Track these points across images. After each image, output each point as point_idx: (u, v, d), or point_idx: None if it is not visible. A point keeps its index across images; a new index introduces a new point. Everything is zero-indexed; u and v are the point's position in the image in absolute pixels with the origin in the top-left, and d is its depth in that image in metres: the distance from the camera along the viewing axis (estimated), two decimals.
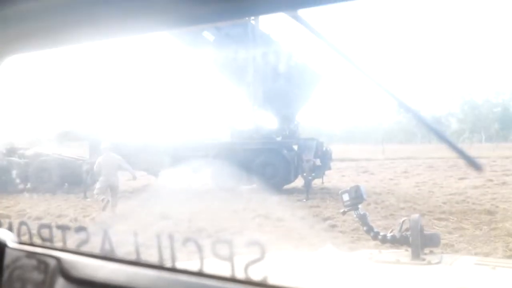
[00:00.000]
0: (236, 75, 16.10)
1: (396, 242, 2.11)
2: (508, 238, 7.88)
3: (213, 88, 16.69)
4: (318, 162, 15.14)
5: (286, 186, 15.39)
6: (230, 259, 0.87)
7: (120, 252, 1.02)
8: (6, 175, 15.35)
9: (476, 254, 6.82)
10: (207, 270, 0.89)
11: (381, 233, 2.21)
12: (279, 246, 6.20)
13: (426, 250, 2.03)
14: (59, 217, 10.45)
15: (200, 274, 0.90)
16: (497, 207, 10.68)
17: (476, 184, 14.53)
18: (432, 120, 0.84)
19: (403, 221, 2.13)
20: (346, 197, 2.22)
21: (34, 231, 1.17)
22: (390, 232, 2.19)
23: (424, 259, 1.93)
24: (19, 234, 1.19)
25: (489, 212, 10.07)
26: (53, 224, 1.13)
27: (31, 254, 1.09)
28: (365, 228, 2.26)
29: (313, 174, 14.65)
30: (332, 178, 17.70)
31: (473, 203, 11.31)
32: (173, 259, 0.93)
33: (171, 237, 0.94)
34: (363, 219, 2.25)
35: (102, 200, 11.15)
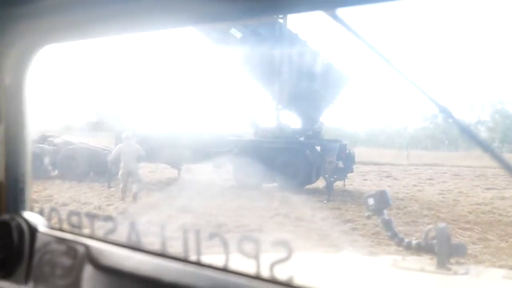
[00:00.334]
0: (262, 73, 16.07)
1: (421, 250, 2.08)
2: None
3: (238, 85, 16.67)
4: (340, 164, 15.02)
5: (308, 187, 15.32)
6: (256, 256, 0.86)
7: (142, 242, 1.03)
8: (35, 161, 15.61)
9: (500, 266, 6.66)
10: (232, 266, 0.89)
11: (406, 240, 2.17)
12: (298, 245, 6.18)
13: (452, 260, 1.99)
14: (84, 204, 10.64)
15: (225, 269, 0.90)
16: None
17: (504, 195, 14.19)
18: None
19: (429, 230, 2.09)
20: (371, 201, 2.20)
21: (63, 217, 1.19)
22: (415, 240, 2.16)
23: (450, 269, 1.90)
24: (49, 219, 1.21)
25: None
26: (81, 211, 1.15)
27: (60, 240, 1.11)
28: (389, 234, 2.23)
29: (335, 176, 14.55)
30: (354, 181, 17.53)
31: (500, 214, 11.05)
32: (198, 253, 0.93)
33: (196, 232, 0.94)
34: (387, 224, 2.22)
35: (122, 190, 11.71)
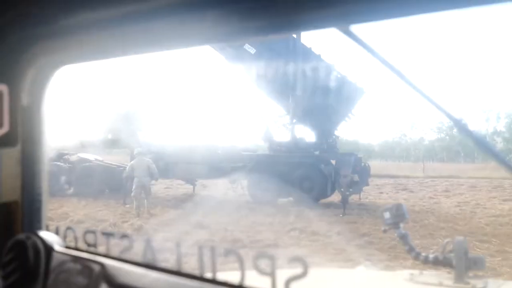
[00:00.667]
0: (276, 88, 16.12)
1: (439, 263, 2.04)
2: None
3: (253, 100, 16.75)
4: (356, 177, 14.92)
5: (323, 201, 15.23)
6: (271, 273, 0.86)
7: (158, 259, 1.03)
8: (51, 179, 15.76)
9: None
10: (248, 283, 0.89)
11: (423, 254, 2.14)
12: (314, 261, 6.13)
13: (470, 274, 1.96)
14: (99, 221, 10.69)
15: (240, 287, 0.89)
16: None
17: None
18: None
19: (447, 243, 2.06)
20: (387, 215, 2.17)
21: (79, 236, 1.20)
22: (432, 253, 2.13)
23: (468, 283, 1.87)
24: (65, 238, 1.22)
25: None
26: (97, 229, 1.16)
27: (76, 259, 1.11)
28: (406, 248, 2.19)
29: (350, 190, 14.44)
30: (370, 195, 17.38)
31: None
32: (214, 270, 0.93)
33: (212, 249, 0.94)
34: (404, 238, 2.19)
35: (136, 205, 12.31)
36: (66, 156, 17.34)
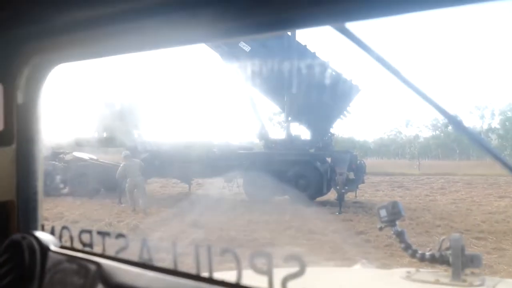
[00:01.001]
0: (271, 86, 16.11)
1: (435, 261, 2.04)
2: None
3: (247, 98, 16.71)
4: (351, 175, 14.95)
5: (319, 199, 15.25)
6: (268, 272, 0.86)
7: (154, 259, 1.03)
8: (46, 179, 15.71)
9: None
10: (244, 282, 0.89)
11: (419, 251, 2.14)
12: (310, 259, 6.13)
13: (467, 271, 1.96)
14: (95, 221, 10.67)
15: (237, 285, 0.89)
16: None
17: None
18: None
19: (443, 240, 2.06)
20: (383, 212, 2.17)
21: (75, 235, 1.20)
22: (429, 251, 2.13)
23: (465, 280, 1.87)
24: (60, 238, 1.21)
25: None
26: (93, 229, 1.15)
27: (72, 259, 1.11)
28: (402, 246, 2.19)
29: (346, 188, 14.47)
30: (366, 192, 17.43)
31: None
32: (211, 269, 0.93)
33: (208, 247, 0.94)
34: (400, 236, 2.19)
35: (130, 203, 12.96)
36: (61, 155, 17.28)
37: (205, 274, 0.92)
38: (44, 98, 1.30)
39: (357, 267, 2.46)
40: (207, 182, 17.63)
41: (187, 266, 0.97)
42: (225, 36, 1.00)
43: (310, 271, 0.85)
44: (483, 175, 25.21)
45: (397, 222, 2.23)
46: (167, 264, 0.99)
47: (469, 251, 2.04)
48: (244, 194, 15.37)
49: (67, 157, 17.35)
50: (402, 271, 2.06)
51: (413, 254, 2.17)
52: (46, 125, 1.33)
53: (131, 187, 13.12)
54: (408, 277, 1.98)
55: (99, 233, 1.13)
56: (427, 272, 2.04)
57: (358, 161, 16.17)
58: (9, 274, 1.13)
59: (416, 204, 14.43)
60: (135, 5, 1.01)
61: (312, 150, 16.47)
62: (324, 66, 15.77)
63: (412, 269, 2.08)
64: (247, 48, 15.56)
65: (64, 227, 1.22)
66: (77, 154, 17.54)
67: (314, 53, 16.00)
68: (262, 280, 0.84)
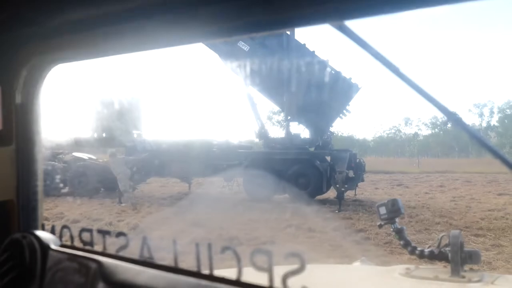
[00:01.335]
0: (270, 85, 16.11)
1: (434, 258, 2.05)
2: None
3: (247, 97, 16.69)
4: (351, 173, 14.96)
5: (319, 197, 15.26)
6: (268, 269, 0.86)
7: (154, 257, 1.03)
8: (45, 179, 15.71)
9: None
10: (245, 279, 0.89)
11: (419, 248, 2.15)
12: (311, 257, 6.14)
13: (466, 268, 1.97)
14: (95, 220, 10.67)
15: (237, 283, 0.89)
16: None
17: None
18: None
19: (442, 237, 2.07)
20: (383, 210, 2.18)
21: (75, 234, 1.20)
22: (428, 248, 2.13)
23: (464, 277, 1.87)
24: (61, 237, 1.22)
25: None
26: (93, 228, 1.15)
27: (72, 257, 1.11)
28: (402, 243, 2.20)
29: (345, 186, 14.47)
30: (365, 190, 17.44)
31: None
32: (211, 266, 0.93)
33: (208, 245, 0.94)
34: (400, 233, 2.20)
35: (124, 197, 13.65)
36: (60, 156, 17.28)
37: (205, 271, 0.92)
38: (43, 98, 1.31)
39: (357, 264, 2.46)
40: (207, 181, 17.64)
41: (187, 264, 0.97)
42: (224, 35, 1.01)
43: (310, 268, 0.85)
44: (482, 173, 25.25)
45: (397, 220, 2.24)
46: (167, 262, 0.99)
47: (468, 247, 2.05)
48: (244, 193, 15.37)
49: (67, 157, 17.36)
50: (402, 267, 2.07)
51: (413, 251, 2.18)
52: (46, 125, 1.33)
53: (124, 179, 13.92)
54: (408, 273, 1.99)
55: (99, 231, 1.14)
56: (426, 269, 2.04)
57: (358, 160, 16.17)
58: (10, 273, 1.13)
59: (416, 201, 14.45)
60: (132, 5, 1.01)
61: (311, 149, 16.47)
62: (323, 65, 15.76)
63: (412, 266, 2.08)
64: (246, 47, 15.55)
65: (64, 226, 1.22)
66: (77, 154, 17.54)
67: (313, 51, 15.99)
68: (263, 277, 0.85)
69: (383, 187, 19.80)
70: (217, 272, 0.91)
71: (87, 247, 1.14)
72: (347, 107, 16.64)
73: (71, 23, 1.11)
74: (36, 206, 1.31)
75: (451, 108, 0.80)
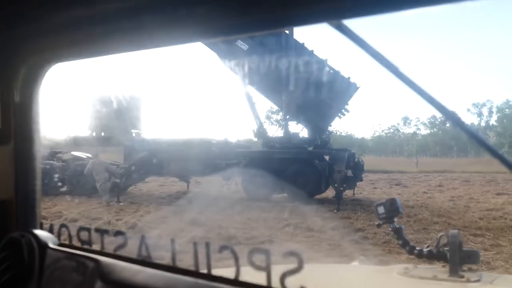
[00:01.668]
0: (269, 85, 16.10)
1: (433, 257, 2.05)
2: None
3: (245, 97, 16.68)
4: (349, 173, 14.95)
5: (317, 196, 15.27)
6: (266, 268, 0.86)
7: (152, 256, 1.03)
8: (44, 178, 15.70)
9: None
10: (243, 278, 0.89)
11: (417, 248, 2.15)
12: (309, 256, 6.14)
13: (464, 267, 1.97)
14: (93, 219, 10.67)
15: (235, 282, 0.89)
16: None
17: None
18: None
19: (441, 237, 2.07)
20: (381, 209, 2.17)
21: (73, 233, 1.20)
22: (426, 247, 2.13)
23: (463, 276, 1.88)
24: (59, 236, 1.22)
25: None
26: (91, 227, 1.15)
27: (70, 256, 1.11)
28: (400, 242, 2.20)
29: (344, 185, 14.47)
30: (364, 190, 17.46)
31: None
32: (209, 266, 0.93)
33: (206, 245, 0.94)
34: (398, 232, 2.20)
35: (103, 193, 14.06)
36: (59, 155, 17.27)
37: (203, 271, 0.92)
38: (42, 97, 1.30)
39: (355, 263, 2.46)
40: (205, 181, 17.63)
41: (185, 263, 0.97)
42: (222, 34, 1.01)
43: (308, 267, 0.85)
44: (481, 172, 25.29)
45: (395, 219, 2.24)
46: (166, 262, 0.99)
47: (466, 247, 2.05)
48: (242, 192, 15.38)
49: (65, 156, 17.34)
50: (400, 267, 2.07)
51: (411, 251, 2.18)
52: (44, 124, 1.33)
53: (104, 180, 14.26)
54: (406, 273, 1.99)
55: (97, 230, 1.13)
56: (425, 268, 2.04)
57: (356, 159, 16.18)
58: (8, 272, 1.13)
59: (414, 201, 14.45)
60: (131, 4, 1.01)
61: (310, 148, 16.47)
62: (321, 64, 15.76)
63: (410, 266, 2.09)
64: (244, 46, 15.53)
65: (62, 225, 1.22)
66: (75, 153, 17.53)
67: (312, 51, 15.99)
68: (261, 277, 0.85)
69: (381, 186, 19.82)
70: (215, 272, 0.91)
71: (85, 246, 1.14)
72: (346, 107, 16.64)
73: (70, 21, 1.11)
74: (34, 205, 1.31)
75: (450, 107, 0.80)
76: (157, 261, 1.00)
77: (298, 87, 15.52)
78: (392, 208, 2.19)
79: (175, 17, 0.97)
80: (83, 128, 17.79)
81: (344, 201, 14.13)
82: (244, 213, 11.44)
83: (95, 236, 1.14)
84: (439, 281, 1.88)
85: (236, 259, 0.89)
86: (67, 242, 1.19)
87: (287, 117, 16.82)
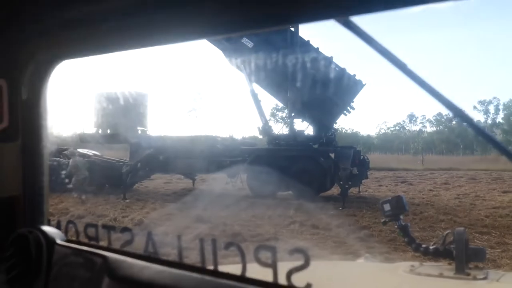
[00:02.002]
0: (274, 82, 16.08)
1: (439, 255, 2.05)
2: None
3: (250, 94, 16.66)
4: (355, 170, 14.92)
5: (322, 194, 15.24)
6: (272, 265, 0.86)
7: (159, 252, 1.04)
8: (51, 175, 15.77)
9: None
10: (249, 275, 0.89)
11: (423, 245, 2.15)
12: (315, 253, 6.14)
13: (470, 265, 1.96)
14: (100, 216, 10.71)
15: (242, 279, 0.90)
16: None
17: None
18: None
19: (447, 234, 2.07)
20: (387, 207, 2.17)
21: (80, 230, 1.21)
22: (432, 245, 2.13)
23: (469, 274, 1.87)
24: (66, 232, 1.22)
25: None
26: (99, 224, 1.16)
27: (78, 252, 1.12)
28: (406, 240, 2.20)
29: (349, 183, 14.45)
30: (369, 188, 17.42)
31: None
32: (215, 262, 0.94)
33: (213, 241, 0.95)
34: (404, 230, 2.20)
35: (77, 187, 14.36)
36: (65, 152, 17.33)
37: (210, 267, 0.93)
38: (49, 94, 1.31)
39: (361, 261, 2.46)
40: (210, 178, 17.65)
41: (191, 260, 0.98)
42: (228, 31, 1.01)
43: (314, 264, 0.86)
44: (487, 170, 25.17)
45: (401, 217, 2.23)
46: (172, 258, 0.99)
47: (472, 245, 2.05)
48: (247, 190, 15.38)
49: (71, 153, 17.39)
50: (406, 265, 2.06)
51: (417, 248, 2.18)
52: (51, 121, 1.34)
53: (81, 178, 14.87)
54: (412, 270, 1.98)
55: (104, 227, 1.14)
56: (430, 266, 2.04)
57: (362, 157, 16.15)
58: (16, 268, 1.14)
59: (420, 199, 14.41)
60: (139, 1, 1.01)
61: (315, 146, 16.44)
62: (327, 61, 15.71)
63: (416, 263, 2.08)
64: (249, 44, 15.51)
65: (69, 222, 1.23)
66: (82, 150, 17.58)
67: (317, 48, 15.95)
68: (267, 273, 0.85)
69: (387, 184, 19.77)
70: (222, 268, 0.92)
71: (93, 242, 1.14)
72: (351, 104, 16.60)
73: (77, 19, 1.11)
74: (42, 201, 1.31)
75: (457, 104, 0.80)
76: (164, 258, 1.01)
77: (304, 84, 15.47)
78: (398, 206, 2.19)
79: (180, 14, 0.97)
80: (90, 125, 17.85)
81: (350, 198, 14.10)
82: (249, 210, 11.44)
83: (102, 232, 1.15)
84: (445, 278, 1.88)
85: (243, 256, 0.90)
86: (74, 238, 1.20)
87: (293, 114, 16.79)
